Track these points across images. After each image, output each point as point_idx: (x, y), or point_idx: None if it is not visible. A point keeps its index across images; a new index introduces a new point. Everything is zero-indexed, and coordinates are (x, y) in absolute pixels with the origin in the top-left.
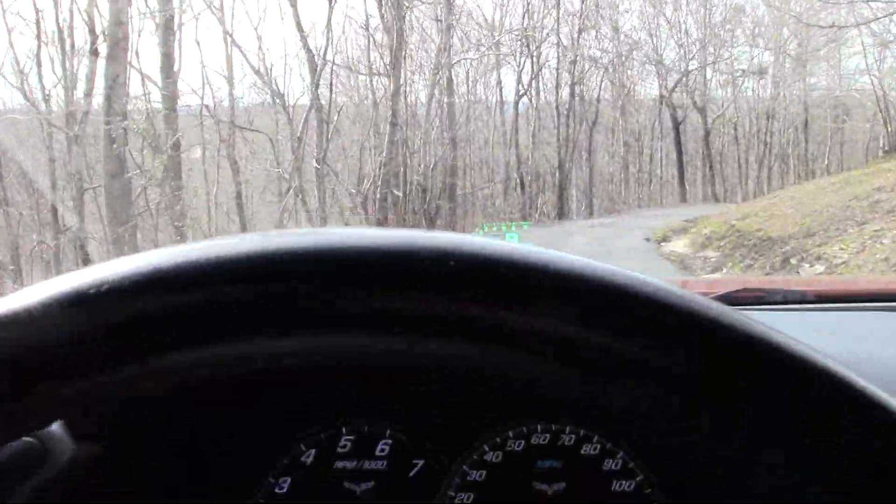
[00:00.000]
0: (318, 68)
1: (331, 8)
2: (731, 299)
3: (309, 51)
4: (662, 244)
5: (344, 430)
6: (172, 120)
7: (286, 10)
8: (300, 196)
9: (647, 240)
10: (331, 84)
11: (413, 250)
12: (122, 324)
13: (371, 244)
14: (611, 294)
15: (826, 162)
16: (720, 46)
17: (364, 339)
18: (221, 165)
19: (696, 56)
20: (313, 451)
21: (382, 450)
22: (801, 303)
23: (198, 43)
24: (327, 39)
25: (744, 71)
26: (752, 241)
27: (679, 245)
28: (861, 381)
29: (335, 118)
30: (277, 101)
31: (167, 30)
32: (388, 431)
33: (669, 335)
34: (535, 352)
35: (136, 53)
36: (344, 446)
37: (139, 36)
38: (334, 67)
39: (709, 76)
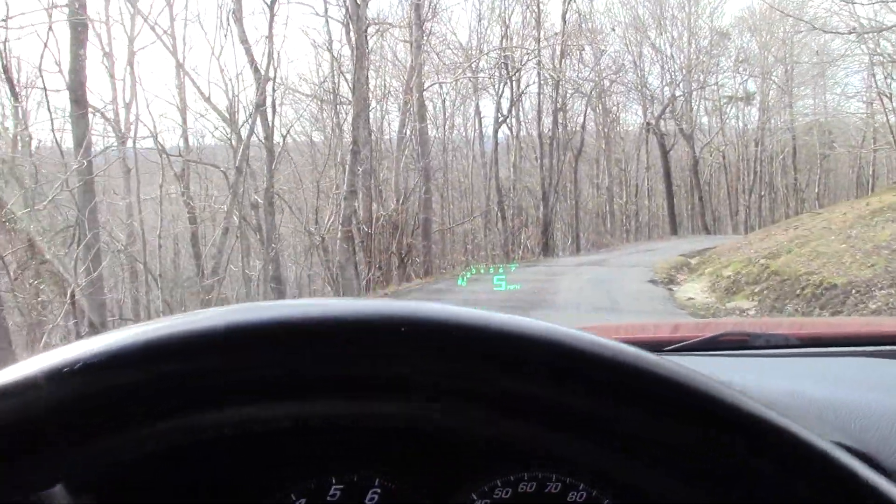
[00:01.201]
0: (261, 85)
1: (272, 15)
2: (714, 344)
3: (254, 66)
4: (673, 288)
5: (333, 479)
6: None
7: (233, 29)
8: (238, 237)
9: (653, 282)
10: (273, 104)
11: (362, 319)
12: (98, 397)
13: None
14: (566, 358)
15: (816, 190)
16: (706, 73)
17: (329, 406)
18: (177, 203)
19: (682, 83)
20: (303, 501)
21: (372, 498)
22: (784, 347)
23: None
24: (269, 54)
25: (730, 98)
26: (807, 290)
27: (695, 289)
28: (810, 435)
29: (280, 143)
30: (228, 129)
31: (76, 39)
32: (378, 480)
33: (615, 395)
34: (504, 412)
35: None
36: (333, 496)
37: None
38: (286, 90)
39: (695, 103)
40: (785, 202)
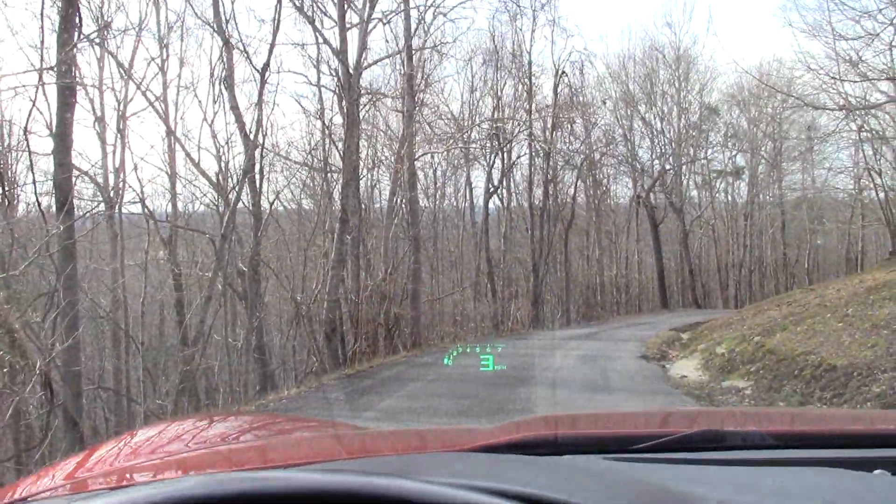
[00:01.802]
0: (249, 151)
1: (262, 82)
2: (688, 443)
3: (244, 133)
4: (665, 365)
5: None
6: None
7: (224, 95)
8: (221, 305)
9: (645, 358)
10: (261, 170)
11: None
12: None
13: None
14: None
15: (806, 265)
16: (696, 147)
17: None
18: (164, 269)
19: (672, 157)
20: None
21: None
22: (759, 448)
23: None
24: (258, 121)
25: (719, 172)
26: (806, 371)
27: (689, 367)
28: None
29: (267, 210)
30: (217, 195)
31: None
32: None
33: None
34: None
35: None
36: None
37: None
38: (275, 157)
39: (685, 177)
40: (775, 276)
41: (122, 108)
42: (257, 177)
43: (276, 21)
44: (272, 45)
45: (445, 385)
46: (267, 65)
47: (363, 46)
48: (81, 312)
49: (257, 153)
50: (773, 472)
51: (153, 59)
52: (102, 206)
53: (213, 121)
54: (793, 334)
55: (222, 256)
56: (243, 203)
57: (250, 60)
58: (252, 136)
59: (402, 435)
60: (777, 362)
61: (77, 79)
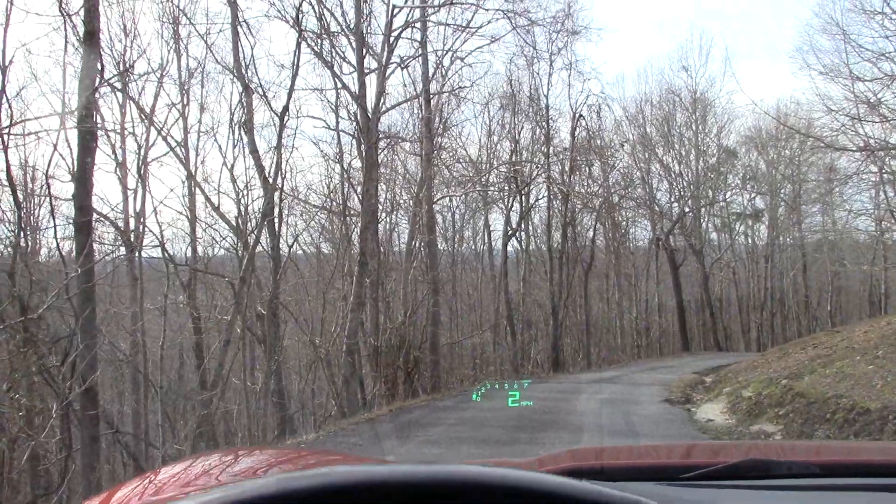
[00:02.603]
0: (268, 194)
1: (281, 126)
2: (735, 472)
3: (263, 176)
4: (691, 408)
5: None
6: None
7: (243, 139)
8: (238, 349)
9: (669, 401)
10: (279, 212)
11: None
12: None
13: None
14: None
15: (829, 308)
16: (714, 190)
17: None
18: (183, 313)
19: (690, 199)
20: None
21: None
22: (806, 476)
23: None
24: (276, 164)
25: (738, 215)
26: (838, 415)
27: (714, 411)
28: None
29: (286, 253)
30: (237, 239)
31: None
32: None
33: None
34: None
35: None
36: None
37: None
38: (293, 200)
39: (704, 220)
40: (797, 319)
41: (143, 152)
42: (276, 220)
43: (294, 66)
44: (291, 90)
45: (467, 429)
46: (286, 109)
47: (381, 90)
48: (100, 356)
49: (276, 196)
50: (818, 497)
51: (174, 104)
52: (123, 250)
53: (232, 165)
54: (822, 377)
55: (241, 299)
56: (262, 247)
57: (269, 105)
58: (271, 180)
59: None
60: (807, 406)
61: (98, 124)
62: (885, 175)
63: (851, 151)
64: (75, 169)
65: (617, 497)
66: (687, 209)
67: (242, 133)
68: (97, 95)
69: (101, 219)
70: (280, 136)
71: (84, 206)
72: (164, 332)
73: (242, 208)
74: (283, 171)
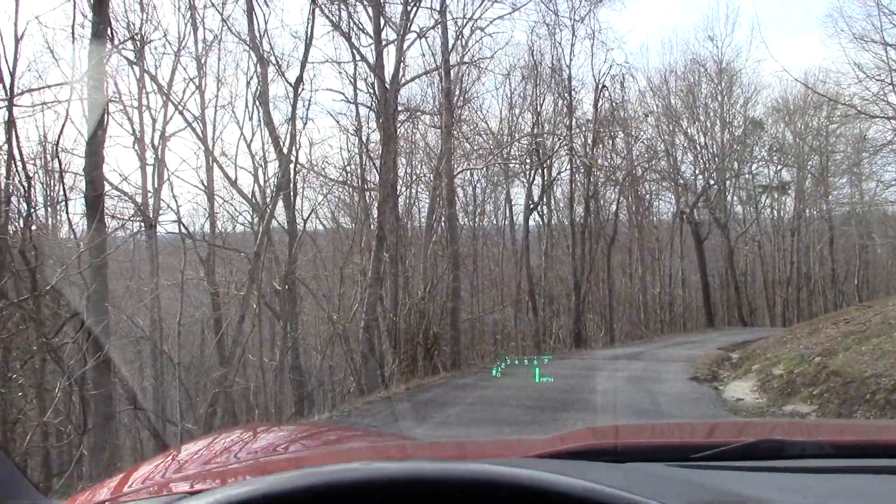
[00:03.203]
0: (283, 167)
1: (295, 96)
2: (749, 452)
3: (279, 149)
4: (718, 387)
5: None
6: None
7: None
8: (254, 326)
9: (695, 379)
10: (294, 185)
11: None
12: None
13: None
14: None
15: (856, 282)
16: (740, 162)
17: None
18: (203, 288)
19: (715, 172)
20: None
21: None
22: (821, 457)
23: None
24: (291, 135)
25: (764, 187)
26: (879, 396)
27: (744, 389)
28: None
29: (301, 227)
30: (255, 215)
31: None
32: None
33: None
34: None
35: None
36: None
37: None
38: (309, 173)
39: (729, 193)
40: (823, 294)
41: (161, 127)
42: (291, 193)
43: (307, 34)
44: (304, 58)
45: (486, 410)
46: (300, 79)
47: (400, 60)
48: (116, 332)
49: (291, 169)
50: (830, 479)
51: (191, 79)
52: (142, 226)
53: (251, 140)
54: (858, 354)
55: (255, 274)
56: (277, 222)
57: (284, 76)
58: (286, 152)
59: (458, 445)
60: (843, 385)
61: (114, 97)
62: None
63: (885, 118)
64: (85, 140)
65: (597, 493)
66: (712, 182)
67: (258, 105)
68: (107, 64)
69: (119, 194)
70: (294, 107)
71: (94, 180)
72: (181, 308)
73: (260, 182)
74: (298, 143)
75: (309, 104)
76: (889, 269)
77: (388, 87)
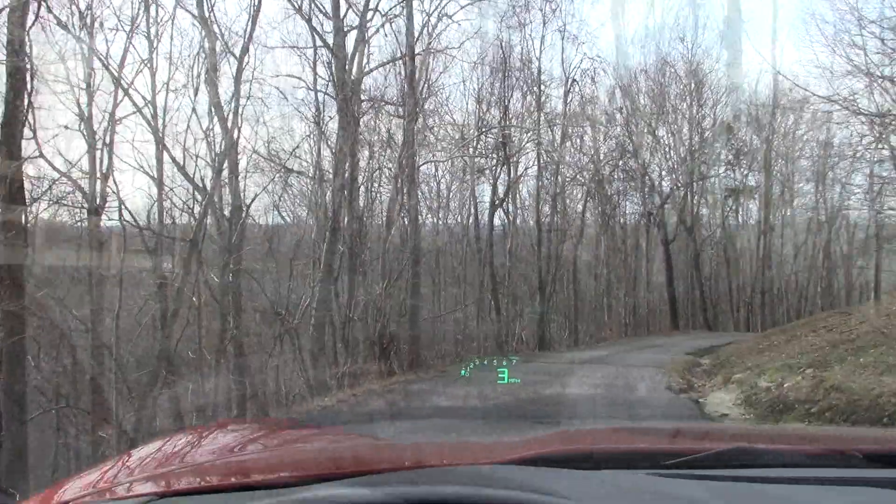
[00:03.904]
0: (225, 148)
1: (240, 69)
2: (718, 460)
3: (226, 131)
4: (699, 399)
5: None
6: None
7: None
8: (189, 322)
9: (670, 389)
10: (235, 167)
11: None
12: None
13: None
14: None
15: (818, 289)
16: (708, 165)
17: None
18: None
19: (682, 174)
20: None
21: None
22: (793, 466)
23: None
24: (234, 111)
25: (731, 191)
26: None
27: (727, 403)
28: None
29: (244, 214)
30: (197, 198)
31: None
32: None
33: None
34: None
35: None
36: None
37: None
38: (256, 157)
39: (696, 196)
40: (786, 299)
41: (110, 109)
42: (235, 178)
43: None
44: (251, 28)
45: (441, 423)
46: (245, 48)
47: (361, 40)
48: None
49: (234, 150)
50: (805, 491)
51: (144, 61)
52: (86, 214)
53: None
54: (857, 367)
55: (189, 264)
56: (218, 210)
57: (232, 52)
58: (229, 129)
59: (427, 447)
60: (849, 403)
61: (35, 66)
62: (883, 152)
63: (867, 115)
64: (2, 112)
65: None
66: (679, 184)
67: (205, 86)
68: (27, 32)
69: (64, 179)
70: (238, 80)
71: (14, 155)
72: (119, 300)
73: (208, 168)
74: (240, 121)
75: (252, 83)
76: (850, 276)
77: (346, 67)
